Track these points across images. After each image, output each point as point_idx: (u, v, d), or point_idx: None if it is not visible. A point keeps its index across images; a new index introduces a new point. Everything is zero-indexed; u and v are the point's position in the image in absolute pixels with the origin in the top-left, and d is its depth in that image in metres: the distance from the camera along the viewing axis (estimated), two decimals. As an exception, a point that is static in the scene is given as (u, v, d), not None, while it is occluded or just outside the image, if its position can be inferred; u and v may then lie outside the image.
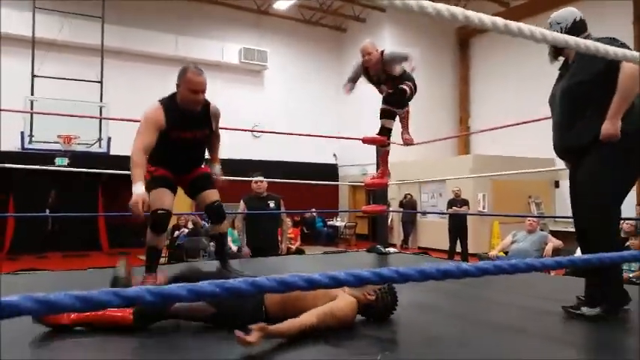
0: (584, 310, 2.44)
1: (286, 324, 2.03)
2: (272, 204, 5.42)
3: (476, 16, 1.09)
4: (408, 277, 0.84)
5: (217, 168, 3.30)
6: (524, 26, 1.17)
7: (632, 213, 9.88)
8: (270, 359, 1.94)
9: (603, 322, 2.38)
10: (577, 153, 2.51)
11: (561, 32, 2.31)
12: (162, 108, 3.05)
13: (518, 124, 4.99)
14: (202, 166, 3.24)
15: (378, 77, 4.09)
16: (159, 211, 2.99)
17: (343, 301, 2.21)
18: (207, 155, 3.35)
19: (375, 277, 0.82)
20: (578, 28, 2.54)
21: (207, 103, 3.15)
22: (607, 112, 2.34)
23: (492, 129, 6.82)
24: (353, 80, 4.24)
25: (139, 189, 2.76)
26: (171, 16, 13.72)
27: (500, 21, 1.13)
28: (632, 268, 5.73)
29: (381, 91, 4.23)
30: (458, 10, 1.07)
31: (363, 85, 4.38)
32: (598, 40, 2.11)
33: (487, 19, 1.11)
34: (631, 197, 10.73)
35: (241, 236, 5.64)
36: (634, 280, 5.60)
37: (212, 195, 3.14)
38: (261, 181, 5.51)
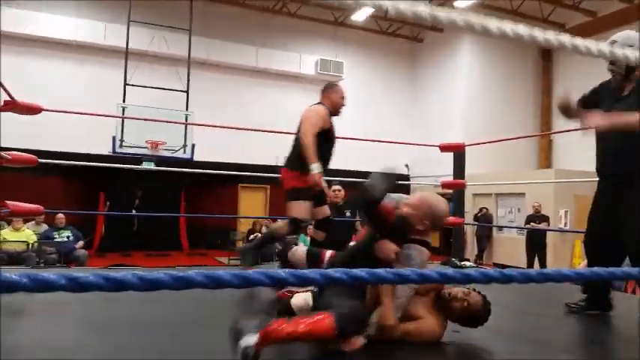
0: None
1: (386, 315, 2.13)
2: (349, 213, 5.49)
3: (541, 35, 1.12)
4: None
5: None
6: (592, 44, 1.17)
7: None
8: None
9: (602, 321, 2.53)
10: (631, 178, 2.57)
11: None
12: (326, 110, 3.72)
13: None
14: None
15: None
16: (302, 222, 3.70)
17: (432, 321, 2.23)
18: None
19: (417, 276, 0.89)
20: None
21: None
22: None
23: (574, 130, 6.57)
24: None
25: (316, 168, 3.36)
26: (253, 28, 14.25)
27: (567, 39, 1.14)
28: None
29: None
30: (524, 31, 1.10)
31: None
32: None
33: (553, 38, 1.14)
34: None
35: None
36: None
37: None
38: (339, 190, 5.61)
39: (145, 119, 8.08)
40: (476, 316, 2.27)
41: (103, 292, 0.76)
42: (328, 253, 2.67)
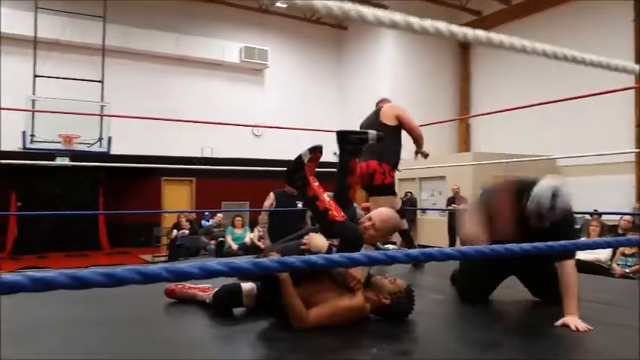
0: None
1: (294, 297, 2.17)
2: (300, 204, 5.41)
3: (460, 30, 1.16)
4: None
5: None
6: (505, 38, 1.27)
7: (630, 209, 9.91)
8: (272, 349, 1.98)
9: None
10: None
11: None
12: None
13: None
14: None
15: None
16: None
17: (351, 301, 2.27)
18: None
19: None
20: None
21: None
22: None
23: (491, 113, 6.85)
24: None
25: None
26: (173, 14, 13.75)
27: (482, 34, 1.23)
28: (629, 263, 5.76)
29: None
30: (442, 26, 1.14)
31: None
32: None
33: (470, 33, 1.20)
34: (628, 195, 10.76)
35: (263, 229, 5.67)
36: (630, 275, 5.63)
37: None
38: None
39: (57, 112, 7.60)
40: (400, 301, 2.34)
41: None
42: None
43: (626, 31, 11.08)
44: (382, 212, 2.63)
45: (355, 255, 0.93)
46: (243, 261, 0.87)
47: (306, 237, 2.36)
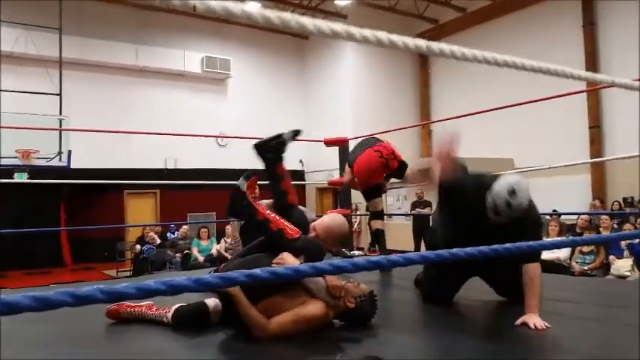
0: None
1: (250, 308, 2.17)
2: None
3: (412, 42, 1.22)
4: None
5: None
6: (457, 48, 1.32)
7: (587, 209, 10.27)
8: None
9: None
10: None
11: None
12: None
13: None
14: None
15: None
16: None
17: (313, 306, 2.27)
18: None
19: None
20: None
21: None
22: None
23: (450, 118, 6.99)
24: None
25: None
26: (131, 25, 13.55)
27: (435, 45, 1.29)
28: (587, 261, 5.97)
29: None
30: (398, 39, 1.19)
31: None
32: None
33: (422, 43, 1.26)
34: (585, 194, 11.15)
35: (235, 242, 5.52)
36: (589, 272, 5.83)
37: None
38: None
39: (13, 127, 7.39)
40: (363, 306, 2.37)
41: None
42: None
43: (577, 37, 11.52)
44: (324, 221, 2.61)
45: (317, 265, 0.95)
46: (182, 278, 0.84)
47: (279, 257, 2.35)
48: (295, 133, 2.84)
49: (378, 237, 4.15)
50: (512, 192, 2.38)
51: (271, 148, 2.76)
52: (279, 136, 2.78)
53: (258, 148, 2.78)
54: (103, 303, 0.77)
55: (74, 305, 0.74)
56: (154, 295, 0.80)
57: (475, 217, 2.53)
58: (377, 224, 4.10)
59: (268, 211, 2.53)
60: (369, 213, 4.14)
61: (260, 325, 2.16)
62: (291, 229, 2.44)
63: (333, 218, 2.69)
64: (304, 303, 2.27)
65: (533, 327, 2.30)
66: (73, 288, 0.76)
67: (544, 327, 2.30)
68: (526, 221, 2.51)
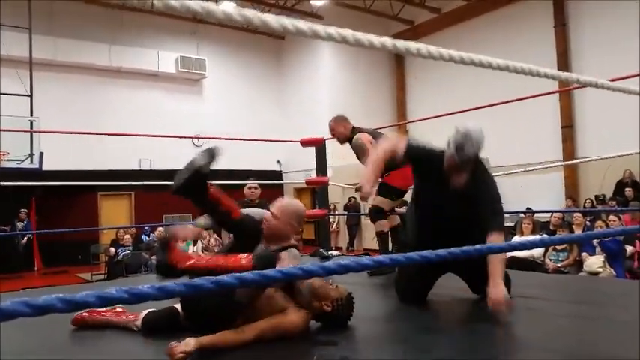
0: None
1: (220, 336, 2.06)
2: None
3: (388, 41, 1.23)
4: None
5: None
6: (433, 48, 1.34)
7: (560, 206, 10.46)
8: None
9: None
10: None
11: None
12: None
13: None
14: None
15: None
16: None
17: (294, 314, 2.24)
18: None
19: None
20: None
21: None
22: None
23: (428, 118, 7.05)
24: None
25: None
26: (104, 25, 13.33)
27: (412, 45, 1.31)
28: (560, 258, 6.07)
29: None
30: (376, 39, 1.21)
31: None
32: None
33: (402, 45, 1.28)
34: (558, 192, 11.35)
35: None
36: (562, 269, 5.93)
37: None
38: (255, 188, 5.20)
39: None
40: (341, 307, 2.35)
41: None
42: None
43: (549, 38, 11.73)
44: (278, 204, 2.53)
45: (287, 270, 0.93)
46: (145, 286, 0.80)
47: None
48: (211, 155, 2.48)
49: (384, 239, 4.30)
50: (466, 135, 2.50)
51: (193, 187, 2.42)
52: (195, 171, 2.42)
53: (179, 193, 2.43)
54: (62, 312, 0.74)
55: (31, 315, 0.71)
56: (116, 303, 0.77)
57: (438, 185, 2.64)
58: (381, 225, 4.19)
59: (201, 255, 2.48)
60: (369, 213, 4.15)
61: (236, 342, 2.09)
62: (234, 263, 2.20)
63: (285, 200, 2.67)
64: (285, 311, 2.24)
65: (492, 301, 2.32)
66: (38, 294, 0.73)
67: (503, 300, 2.31)
68: (485, 184, 2.63)
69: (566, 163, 10.66)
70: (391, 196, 4.02)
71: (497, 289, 2.34)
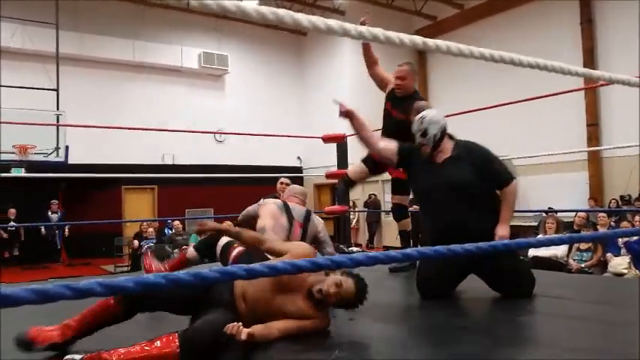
0: None
1: (267, 331, 2.10)
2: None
3: (405, 37, 1.22)
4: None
5: None
6: (453, 45, 1.36)
7: (584, 207, 10.28)
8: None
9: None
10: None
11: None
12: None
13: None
14: None
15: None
16: None
17: (320, 322, 2.25)
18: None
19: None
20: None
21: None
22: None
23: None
24: None
25: None
26: (128, 20, 13.51)
27: (430, 41, 1.32)
28: (584, 258, 5.98)
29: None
30: (394, 35, 1.20)
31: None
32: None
33: (418, 40, 1.27)
34: (582, 192, 11.16)
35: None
36: (586, 269, 5.85)
37: None
38: (287, 184, 5.12)
39: (10, 122, 7.35)
40: (350, 302, 2.29)
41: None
42: (236, 250, 2.71)
43: (575, 35, 11.51)
44: (286, 191, 3.91)
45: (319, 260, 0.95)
46: (182, 273, 0.86)
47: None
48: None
49: (405, 237, 4.59)
50: (422, 117, 2.96)
51: (206, 248, 3.16)
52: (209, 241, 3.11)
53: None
54: (101, 296, 0.78)
55: (72, 298, 0.75)
56: (152, 288, 0.81)
57: (426, 169, 2.98)
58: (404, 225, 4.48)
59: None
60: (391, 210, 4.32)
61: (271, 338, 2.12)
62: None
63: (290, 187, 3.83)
64: (310, 317, 2.23)
65: (497, 238, 2.70)
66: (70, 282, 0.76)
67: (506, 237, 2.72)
68: (466, 147, 2.98)
69: (592, 149, 10.43)
70: (408, 190, 4.15)
71: (504, 230, 2.79)
